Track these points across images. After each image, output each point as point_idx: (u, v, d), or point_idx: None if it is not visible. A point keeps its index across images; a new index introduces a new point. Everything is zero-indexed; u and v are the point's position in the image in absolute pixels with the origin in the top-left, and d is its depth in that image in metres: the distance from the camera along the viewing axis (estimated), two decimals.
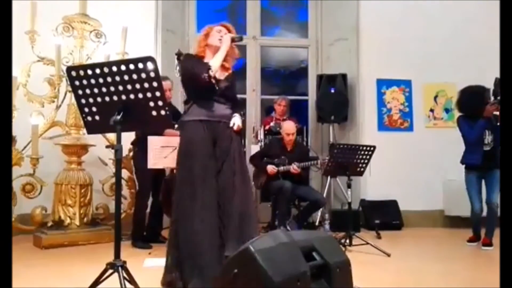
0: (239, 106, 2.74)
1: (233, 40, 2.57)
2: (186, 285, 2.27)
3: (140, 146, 3.69)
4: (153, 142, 3.36)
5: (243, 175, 2.50)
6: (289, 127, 4.44)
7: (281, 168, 4.31)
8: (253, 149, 4.90)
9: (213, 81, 2.43)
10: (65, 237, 3.73)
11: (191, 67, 2.45)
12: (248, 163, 4.88)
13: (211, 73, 2.39)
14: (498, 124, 3.61)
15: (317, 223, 4.80)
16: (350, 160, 3.66)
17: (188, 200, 2.35)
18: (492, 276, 2.62)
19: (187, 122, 2.48)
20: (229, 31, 2.63)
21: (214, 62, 2.46)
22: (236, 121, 2.54)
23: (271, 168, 4.31)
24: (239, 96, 5.81)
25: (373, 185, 5.06)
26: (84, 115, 2.04)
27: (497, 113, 3.62)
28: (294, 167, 4.20)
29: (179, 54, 3.75)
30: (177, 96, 4.66)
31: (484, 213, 3.85)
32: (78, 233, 3.83)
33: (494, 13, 4.90)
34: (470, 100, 3.89)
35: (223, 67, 2.57)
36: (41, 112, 3.92)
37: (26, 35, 3.80)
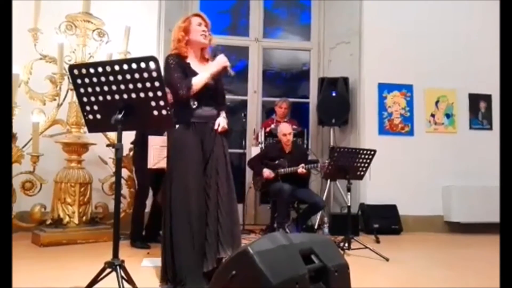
0: (224, 104, 2.62)
1: (225, 68, 2.43)
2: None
3: (140, 146, 3.69)
4: (154, 141, 3.36)
5: (226, 175, 2.45)
6: (284, 127, 4.46)
7: (282, 170, 4.29)
8: (254, 151, 4.91)
9: (191, 101, 2.37)
10: (63, 235, 3.73)
11: (172, 80, 2.34)
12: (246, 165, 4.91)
13: (190, 93, 2.32)
14: None
15: (316, 226, 4.79)
16: (350, 164, 3.66)
17: (177, 202, 2.33)
18: (492, 282, 2.61)
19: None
20: (206, 25, 2.49)
21: (197, 82, 2.35)
22: (220, 122, 2.48)
23: (267, 173, 4.31)
24: (240, 97, 5.89)
25: (372, 189, 5.05)
26: (85, 114, 2.04)
27: None
28: (301, 169, 4.18)
29: None
30: None
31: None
32: (77, 231, 3.82)
33: (496, 19, 4.92)
34: None
35: (206, 63, 2.51)
36: (42, 110, 3.93)
37: (29, 33, 3.81)
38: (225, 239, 2.34)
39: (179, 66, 2.41)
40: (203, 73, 2.41)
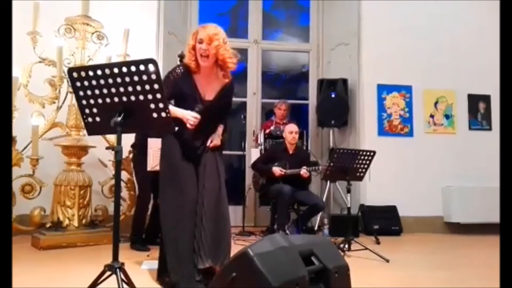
0: (225, 120, 2.58)
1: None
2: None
3: (140, 149, 3.69)
4: (153, 144, 3.35)
5: (214, 190, 2.41)
6: (291, 126, 4.50)
7: (289, 171, 4.28)
8: (253, 152, 4.90)
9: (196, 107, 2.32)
10: (63, 238, 3.72)
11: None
12: (250, 167, 4.89)
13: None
14: None
15: (316, 228, 4.79)
16: (350, 165, 3.65)
17: (171, 207, 2.35)
18: (492, 282, 2.61)
19: (168, 135, 2.42)
20: (208, 41, 2.32)
21: (171, 112, 2.07)
22: (214, 138, 2.46)
23: (278, 171, 4.28)
24: (239, 99, 5.90)
25: (372, 190, 5.05)
26: (84, 116, 2.04)
27: None
28: (304, 171, 4.18)
29: (181, 56, 3.74)
30: None
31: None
32: (77, 234, 3.82)
33: (495, 20, 4.94)
34: None
35: (217, 80, 2.44)
36: (42, 113, 3.92)
37: (28, 36, 3.81)
38: (204, 252, 2.32)
39: (177, 82, 2.37)
40: (176, 111, 2.28)
